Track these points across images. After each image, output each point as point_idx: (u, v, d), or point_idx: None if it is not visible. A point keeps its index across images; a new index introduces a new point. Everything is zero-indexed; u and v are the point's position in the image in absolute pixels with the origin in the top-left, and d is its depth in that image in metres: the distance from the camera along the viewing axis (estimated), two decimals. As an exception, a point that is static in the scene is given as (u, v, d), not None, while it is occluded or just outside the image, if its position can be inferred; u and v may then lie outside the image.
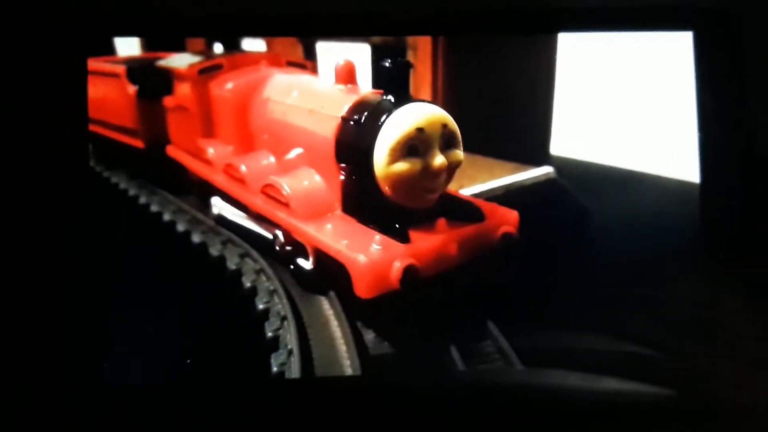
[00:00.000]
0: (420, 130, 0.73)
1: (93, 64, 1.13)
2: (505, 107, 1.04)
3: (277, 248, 0.87)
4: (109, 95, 1.16)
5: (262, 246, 0.92)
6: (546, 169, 1.03)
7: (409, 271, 0.70)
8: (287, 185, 0.83)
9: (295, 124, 0.89)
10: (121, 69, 1.13)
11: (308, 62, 1.08)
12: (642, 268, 0.86)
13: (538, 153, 1.06)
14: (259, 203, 0.88)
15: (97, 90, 1.13)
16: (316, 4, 0.85)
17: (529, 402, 0.80)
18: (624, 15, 0.89)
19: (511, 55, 1.04)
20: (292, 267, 0.86)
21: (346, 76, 0.85)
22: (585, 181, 0.99)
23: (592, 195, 0.94)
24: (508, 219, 0.82)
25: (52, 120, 0.85)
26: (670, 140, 0.94)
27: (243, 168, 0.92)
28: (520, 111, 1.08)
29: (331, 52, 1.06)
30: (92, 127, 1.15)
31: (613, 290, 0.83)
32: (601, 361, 0.79)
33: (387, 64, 0.78)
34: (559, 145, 1.06)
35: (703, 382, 0.81)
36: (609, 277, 0.85)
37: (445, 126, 0.75)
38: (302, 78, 1.01)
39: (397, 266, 0.70)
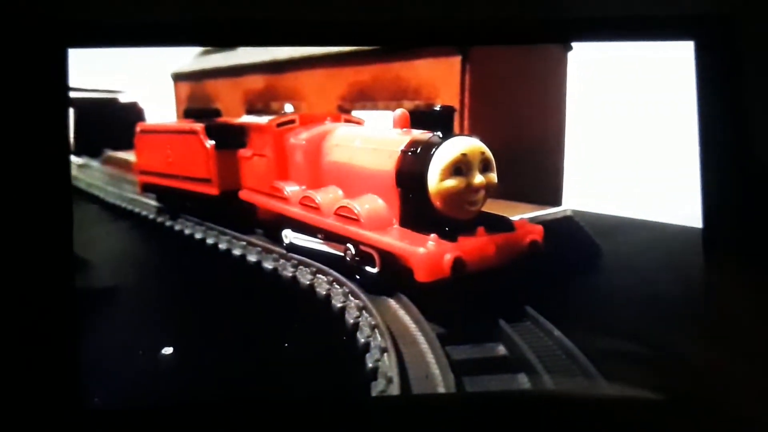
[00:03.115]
0: (464, 155, 0.95)
1: (168, 124, 1.39)
2: (521, 161, 1.20)
3: (348, 259, 1.07)
4: (186, 150, 1.39)
5: (332, 262, 1.11)
6: (564, 209, 1.20)
7: (457, 262, 0.91)
8: (357, 205, 1.05)
9: (359, 162, 1.11)
10: (199, 126, 1.36)
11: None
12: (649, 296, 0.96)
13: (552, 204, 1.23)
14: (332, 223, 1.09)
15: (174, 145, 1.39)
16: (331, 12, 0.95)
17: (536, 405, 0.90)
18: (624, 25, 0.96)
19: (526, 106, 1.25)
20: (358, 277, 1.06)
21: (402, 122, 1.07)
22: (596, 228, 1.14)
23: (603, 238, 1.10)
24: (534, 230, 1.02)
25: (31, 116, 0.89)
26: (675, 191, 1.01)
27: (318, 198, 1.13)
28: (535, 165, 1.26)
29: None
30: (164, 181, 1.41)
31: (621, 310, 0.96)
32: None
33: (437, 109, 1.00)
34: (570, 199, 1.21)
35: (704, 385, 0.88)
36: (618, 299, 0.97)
37: (482, 153, 0.97)
38: (362, 128, 1.24)
39: (448, 257, 0.91)
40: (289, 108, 1.31)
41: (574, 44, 1.10)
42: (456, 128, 1.03)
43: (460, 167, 0.96)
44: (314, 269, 1.13)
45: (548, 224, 1.09)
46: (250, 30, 0.97)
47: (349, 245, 1.07)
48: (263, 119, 1.27)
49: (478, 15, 0.97)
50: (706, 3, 0.96)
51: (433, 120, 1.00)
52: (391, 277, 1.01)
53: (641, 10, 0.94)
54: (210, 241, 1.33)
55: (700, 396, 0.88)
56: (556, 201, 1.21)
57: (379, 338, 0.92)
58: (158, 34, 0.96)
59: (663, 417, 0.88)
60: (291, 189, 1.21)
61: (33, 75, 0.91)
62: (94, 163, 1.41)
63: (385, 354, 0.89)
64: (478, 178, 0.96)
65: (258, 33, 0.99)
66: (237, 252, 1.26)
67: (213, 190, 1.36)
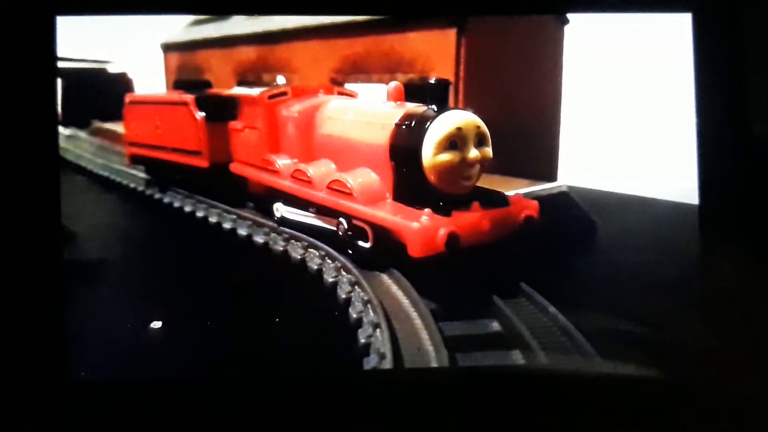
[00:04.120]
0: (459, 129, 0.94)
1: (158, 95, 1.37)
2: (515, 136, 1.18)
3: (340, 234, 1.06)
4: (176, 121, 1.37)
5: (324, 237, 1.10)
6: (559, 184, 1.20)
7: (451, 237, 0.90)
8: (350, 179, 1.03)
9: (353, 135, 1.09)
10: (189, 98, 1.34)
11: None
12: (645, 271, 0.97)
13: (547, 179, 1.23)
14: (325, 197, 1.07)
15: (163, 117, 1.37)
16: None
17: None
18: None
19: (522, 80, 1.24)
20: (350, 252, 1.05)
21: (396, 95, 1.05)
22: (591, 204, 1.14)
23: (599, 214, 1.10)
24: (529, 205, 1.00)
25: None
26: (670, 167, 1.02)
27: (311, 171, 1.11)
28: (530, 140, 1.25)
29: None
30: (153, 153, 1.40)
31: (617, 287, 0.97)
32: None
33: (432, 82, 0.99)
34: (565, 174, 1.21)
35: (699, 363, 0.88)
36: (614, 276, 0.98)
37: (478, 128, 0.95)
38: (355, 101, 1.22)
39: (442, 232, 0.89)
40: (281, 80, 1.29)
41: (570, 17, 1.09)
42: (451, 101, 1.02)
43: (455, 141, 0.94)
44: (306, 243, 1.12)
45: (543, 200, 1.07)
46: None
47: (341, 219, 1.06)
48: (255, 91, 1.25)
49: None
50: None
51: (428, 93, 0.99)
52: (384, 251, 1.00)
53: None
54: (200, 214, 1.31)
55: (696, 374, 0.88)
56: (551, 176, 1.20)
57: (372, 314, 0.91)
58: (149, 1, 0.95)
59: (657, 394, 0.88)
60: (283, 162, 1.19)
61: (20, 43, 0.89)
62: (82, 134, 1.40)
63: (378, 329, 0.89)
64: (473, 153, 0.95)
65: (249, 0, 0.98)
66: (227, 225, 1.25)
67: (203, 163, 1.34)
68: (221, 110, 1.32)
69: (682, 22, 0.95)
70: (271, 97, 1.22)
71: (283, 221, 1.19)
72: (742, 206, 0.92)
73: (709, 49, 0.94)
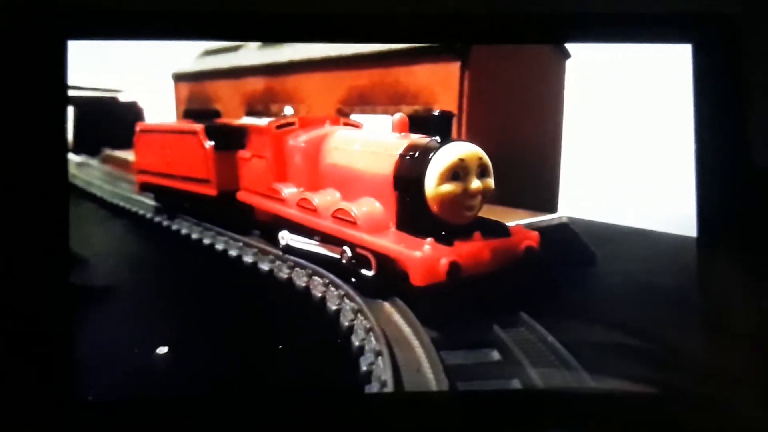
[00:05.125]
0: (461, 160, 0.96)
1: (167, 124, 1.40)
2: (517, 167, 1.20)
3: (344, 262, 1.07)
4: (185, 150, 1.39)
5: (328, 265, 1.11)
6: (559, 215, 1.21)
7: (453, 266, 0.91)
8: (355, 208, 1.05)
9: (358, 165, 1.11)
10: (198, 127, 1.36)
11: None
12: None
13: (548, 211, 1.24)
14: (329, 226, 1.09)
15: (173, 145, 1.40)
16: (321, 5, 0.96)
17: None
18: (620, 26, 0.97)
19: (524, 113, 1.26)
20: (354, 280, 1.06)
21: (400, 126, 1.08)
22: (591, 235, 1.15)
23: (598, 245, 1.10)
24: (530, 236, 1.02)
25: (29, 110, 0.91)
26: (670, 199, 1.03)
27: (316, 200, 1.13)
28: (531, 172, 1.26)
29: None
30: (162, 181, 1.42)
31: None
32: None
33: (435, 114, 1.01)
34: (565, 206, 1.22)
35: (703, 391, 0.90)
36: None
37: (480, 159, 0.98)
38: (361, 131, 1.24)
39: (444, 261, 0.91)
40: (288, 110, 1.31)
41: (571, 51, 1.11)
42: (454, 133, 1.03)
43: (457, 172, 0.96)
44: (310, 271, 1.13)
45: (544, 230, 1.08)
46: (251, 23, 0.98)
47: (345, 248, 1.07)
48: (263, 121, 1.28)
49: (472, 12, 0.97)
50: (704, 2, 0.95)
51: (432, 124, 1.01)
52: (387, 280, 1.01)
53: (638, 9, 0.95)
54: (207, 241, 1.33)
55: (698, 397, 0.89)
56: (551, 207, 1.22)
57: (374, 341, 0.92)
58: (160, 25, 0.96)
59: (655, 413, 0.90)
60: (289, 191, 1.21)
61: (31, 68, 0.91)
62: (93, 162, 1.42)
63: (380, 357, 0.90)
64: (476, 183, 0.97)
65: (257, 26, 0.99)
66: (233, 253, 1.26)
67: (211, 191, 1.36)
68: (230, 139, 1.34)
69: (683, 54, 0.97)
70: (278, 127, 1.25)
71: (288, 249, 1.20)
72: (741, 238, 0.92)
73: (709, 80, 0.95)
